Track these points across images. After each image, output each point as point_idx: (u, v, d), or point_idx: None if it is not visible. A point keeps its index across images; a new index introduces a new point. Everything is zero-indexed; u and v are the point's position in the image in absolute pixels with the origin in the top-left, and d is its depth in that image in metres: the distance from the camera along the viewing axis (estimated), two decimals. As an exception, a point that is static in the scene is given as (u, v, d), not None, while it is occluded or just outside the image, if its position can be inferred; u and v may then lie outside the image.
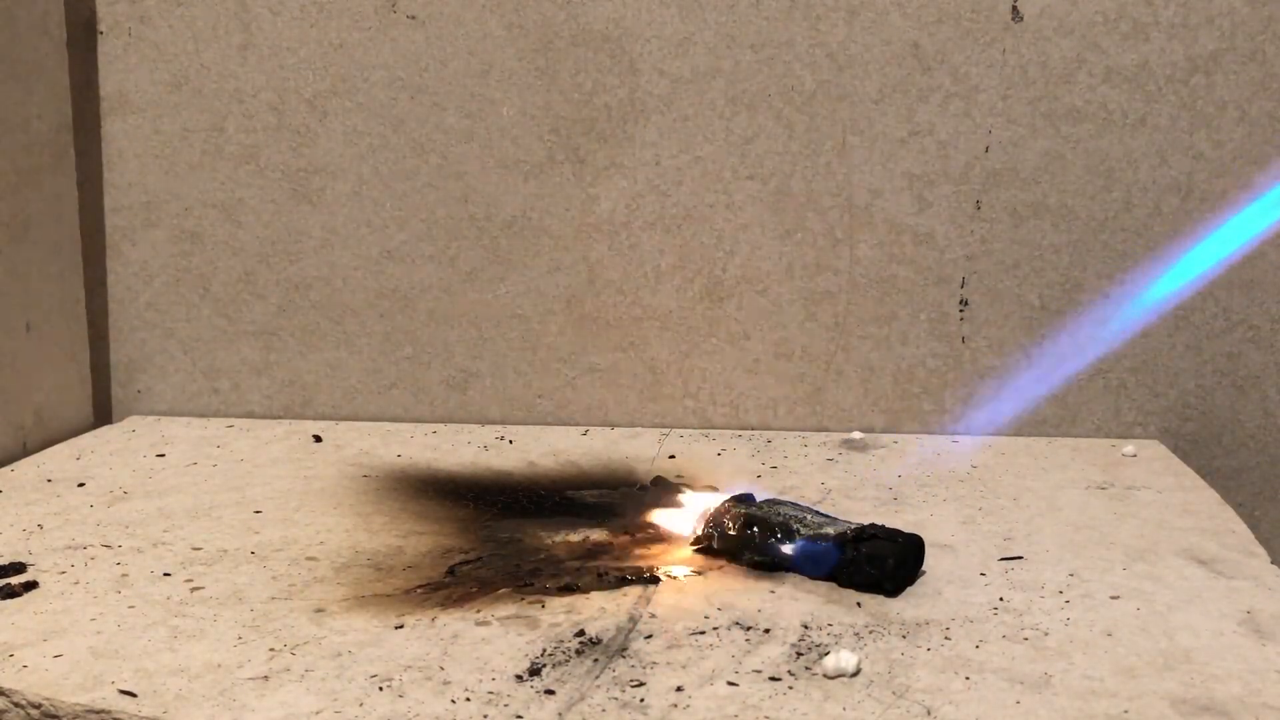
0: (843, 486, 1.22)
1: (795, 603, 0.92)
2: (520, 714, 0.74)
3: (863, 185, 1.42)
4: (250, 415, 1.51)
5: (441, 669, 0.81)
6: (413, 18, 1.44)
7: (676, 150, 1.44)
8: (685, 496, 1.15)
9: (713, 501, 1.06)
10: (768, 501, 1.04)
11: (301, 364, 1.51)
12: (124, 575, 0.98)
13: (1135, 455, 1.33)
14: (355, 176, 1.47)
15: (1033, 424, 1.43)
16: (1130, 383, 1.41)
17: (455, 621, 0.89)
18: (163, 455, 1.33)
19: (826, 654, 0.81)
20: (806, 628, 0.88)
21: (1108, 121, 1.38)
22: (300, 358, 1.51)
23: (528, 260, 1.47)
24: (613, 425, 1.48)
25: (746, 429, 1.47)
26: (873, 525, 0.97)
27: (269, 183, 1.48)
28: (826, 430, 1.45)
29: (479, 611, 0.91)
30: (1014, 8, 1.37)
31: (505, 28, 1.43)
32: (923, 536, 0.98)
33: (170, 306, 1.51)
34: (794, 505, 1.02)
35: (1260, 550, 1.04)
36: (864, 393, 1.45)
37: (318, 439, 1.40)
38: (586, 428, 1.47)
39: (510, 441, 1.40)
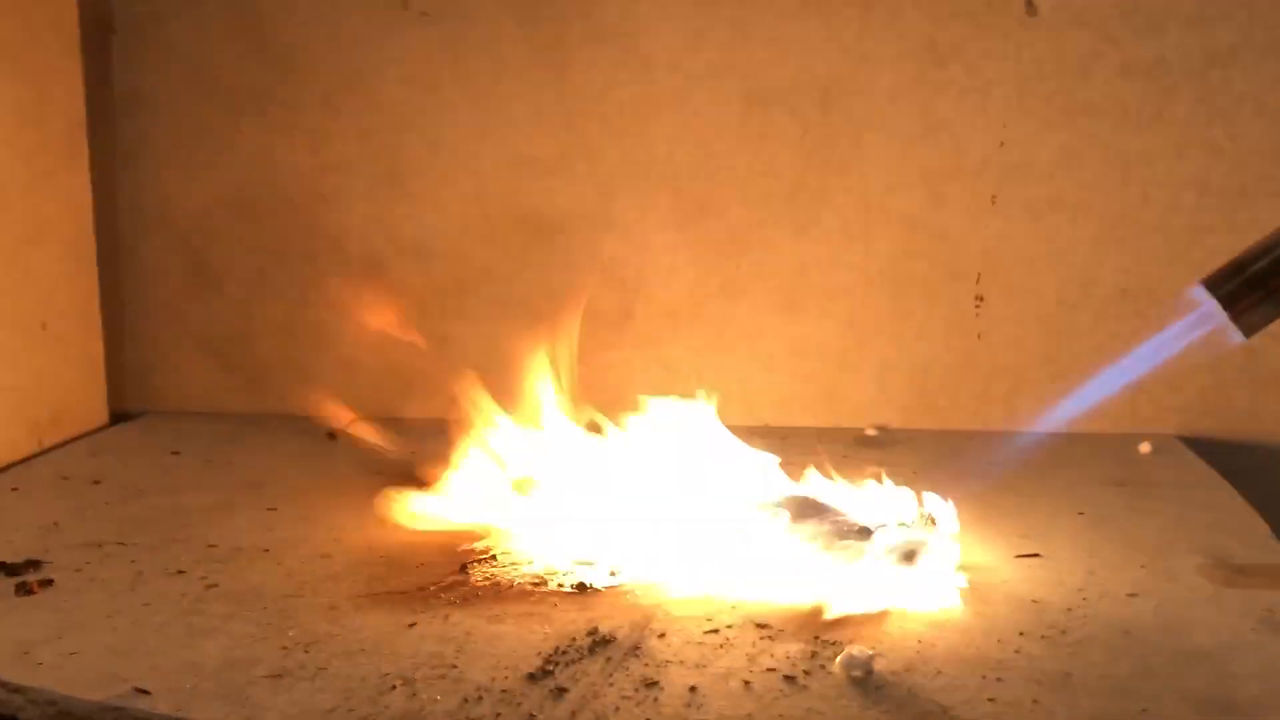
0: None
1: (811, 599, 0.91)
2: (534, 713, 0.74)
3: (878, 181, 1.41)
4: (266, 413, 1.51)
5: (454, 667, 0.81)
6: (425, 14, 1.44)
7: (690, 147, 1.43)
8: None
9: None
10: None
11: (316, 362, 1.51)
12: (139, 573, 0.98)
13: (1153, 452, 1.32)
14: (368, 174, 1.47)
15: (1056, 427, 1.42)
16: (1148, 379, 1.39)
17: (468, 619, 0.89)
18: (178, 453, 1.34)
19: (841, 652, 0.81)
20: (822, 624, 0.87)
21: (1124, 116, 1.37)
22: (315, 356, 1.51)
23: (541, 257, 1.47)
24: (626, 422, 1.47)
25: (761, 426, 1.46)
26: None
27: (283, 181, 1.48)
28: (842, 427, 1.45)
29: (492, 609, 0.91)
30: (1029, 1, 1.36)
31: (518, 24, 1.43)
32: (939, 534, 0.97)
33: (185, 304, 1.52)
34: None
35: (1280, 548, 1.03)
36: (879, 389, 1.44)
37: (332, 436, 1.40)
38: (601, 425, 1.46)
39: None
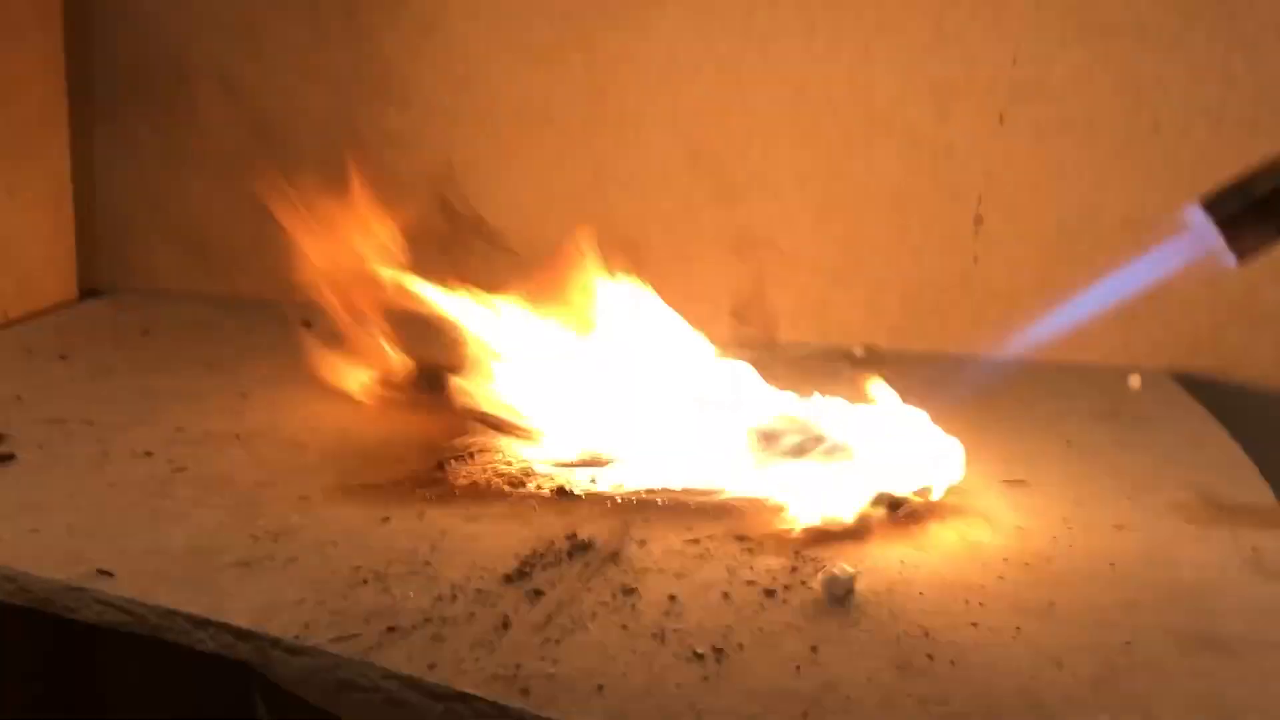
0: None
1: (795, 515, 0.89)
2: (509, 614, 0.72)
3: (884, 92, 1.36)
4: (240, 296, 1.47)
5: (428, 564, 0.79)
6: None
7: (693, 43, 1.37)
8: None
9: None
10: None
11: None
12: (105, 452, 0.95)
13: (1143, 387, 1.30)
14: (355, 56, 1.41)
15: (1038, 348, 1.40)
16: (1142, 313, 1.38)
17: (444, 517, 0.87)
18: (148, 333, 1.30)
19: (822, 569, 0.79)
20: (804, 542, 0.85)
21: (1142, 37, 1.32)
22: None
23: (531, 150, 1.42)
24: (611, 327, 1.44)
25: (747, 339, 1.43)
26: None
27: (268, 57, 1.42)
28: (829, 343, 1.42)
29: (469, 508, 0.88)
30: (1054, -89, 1.31)
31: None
32: (925, 459, 0.95)
33: (161, 179, 1.46)
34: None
35: (1267, 489, 1.01)
36: (870, 308, 1.41)
37: (308, 324, 1.36)
38: (583, 328, 1.43)
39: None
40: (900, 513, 0.90)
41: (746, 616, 0.74)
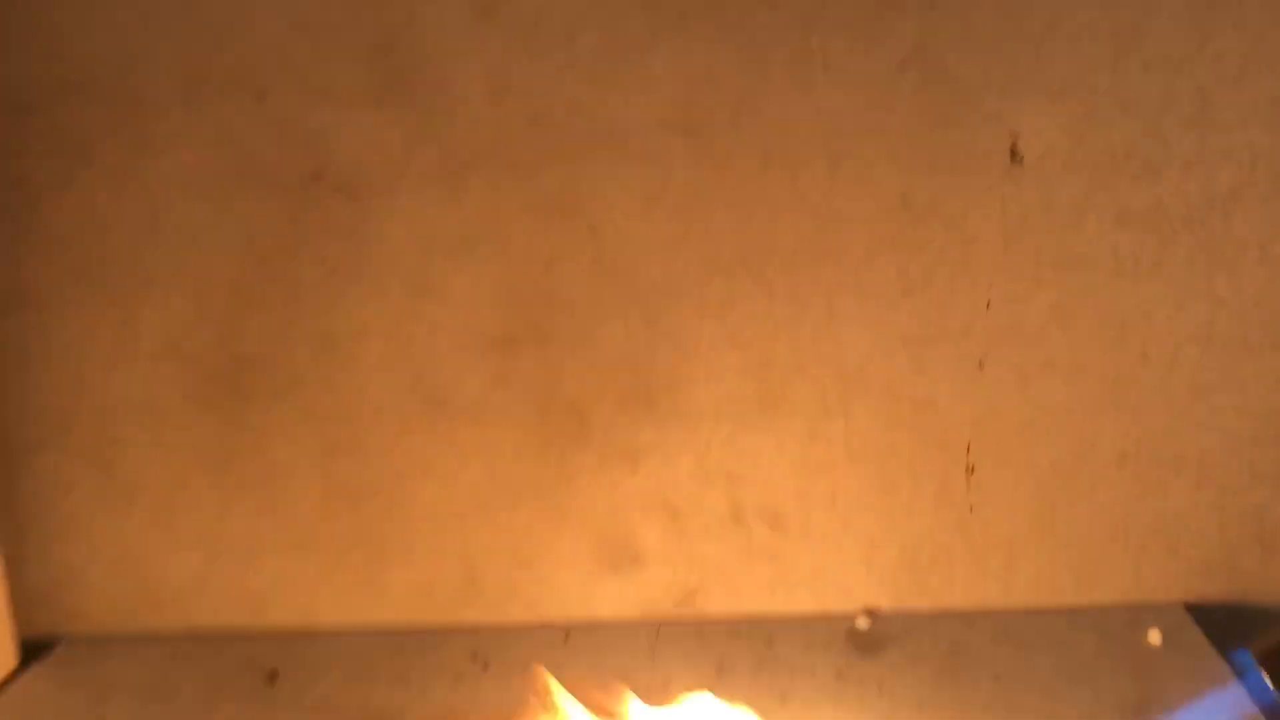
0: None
1: None
2: None
3: (854, 350, 1.29)
4: (196, 633, 1.37)
5: None
6: (341, 191, 1.27)
7: (645, 322, 1.29)
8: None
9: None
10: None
11: (248, 573, 1.37)
12: None
13: (1164, 641, 1.24)
14: (289, 367, 1.32)
15: (1050, 591, 1.33)
16: (1151, 544, 1.31)
17: None
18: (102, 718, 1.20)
19: None
20: None
21: (1119, 268, 1.26)
22: (246, 566, 1.37)
23: (489, 447, 1.33)
24: (596, 620, 1.36)
25: (745, 620, 1.35)
26: None
27: (194, 379, 1.32)
28: (829, 612, 1.34)
29: None
30: (1012, 150, 1.24)
31: (451, 200, 1.27)
32: None
33: (95, 518, 1.36)
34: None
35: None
36: (868, 570, 1.34)
37: (273, 678, 1.26)
38: (567, 629, 1.35)
39: (485, 667, 1.27)
40: None
41: None
